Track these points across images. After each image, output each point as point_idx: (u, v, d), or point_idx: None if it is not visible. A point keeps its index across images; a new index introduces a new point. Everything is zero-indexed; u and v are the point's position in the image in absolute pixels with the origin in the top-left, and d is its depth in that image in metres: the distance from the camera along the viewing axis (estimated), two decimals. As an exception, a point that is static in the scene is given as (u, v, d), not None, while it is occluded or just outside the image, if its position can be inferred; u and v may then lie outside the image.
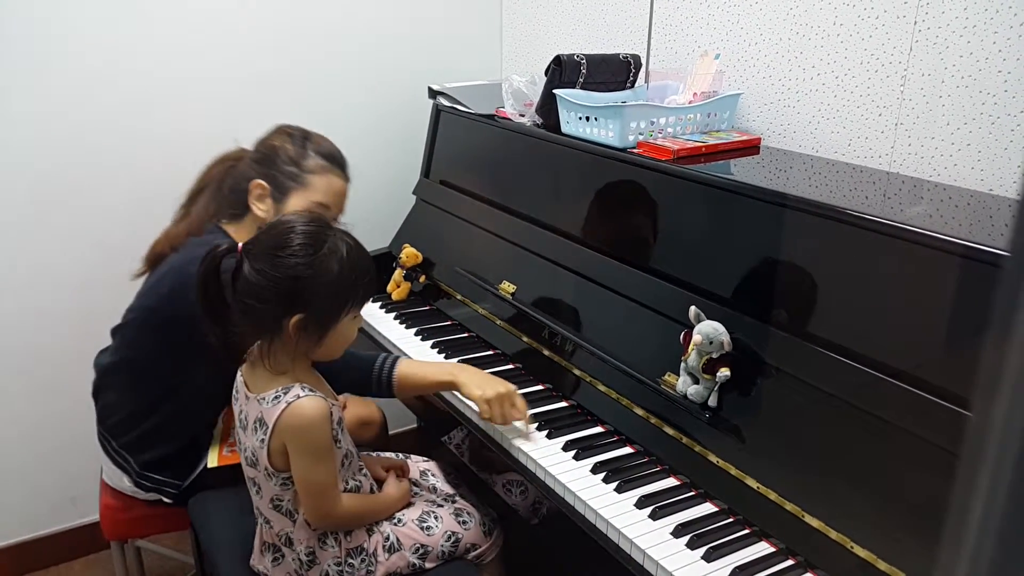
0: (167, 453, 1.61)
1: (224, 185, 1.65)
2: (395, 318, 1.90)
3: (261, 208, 1.59)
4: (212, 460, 1.59)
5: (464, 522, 1.46)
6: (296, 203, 1.58)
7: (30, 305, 1.96)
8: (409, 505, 1.45)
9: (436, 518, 1.43)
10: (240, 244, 1.26)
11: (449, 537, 1.42)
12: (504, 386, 1.44)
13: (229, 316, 1.27)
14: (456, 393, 1.51)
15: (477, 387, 1.44)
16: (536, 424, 1.45)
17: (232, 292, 1.24)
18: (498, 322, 1.75)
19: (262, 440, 1.25)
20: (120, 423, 1.62)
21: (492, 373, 1.57)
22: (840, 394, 1.15)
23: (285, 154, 1.59)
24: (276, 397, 1.24)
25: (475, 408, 1.46)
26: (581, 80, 1.76)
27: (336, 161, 1.64)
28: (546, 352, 1.61)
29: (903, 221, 1.13)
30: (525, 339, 1.67)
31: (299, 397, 1.23)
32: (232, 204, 1.63)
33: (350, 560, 1.34)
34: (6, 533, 2.12)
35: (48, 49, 1.83)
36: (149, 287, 1.58)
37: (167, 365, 1.55)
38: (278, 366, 1.27)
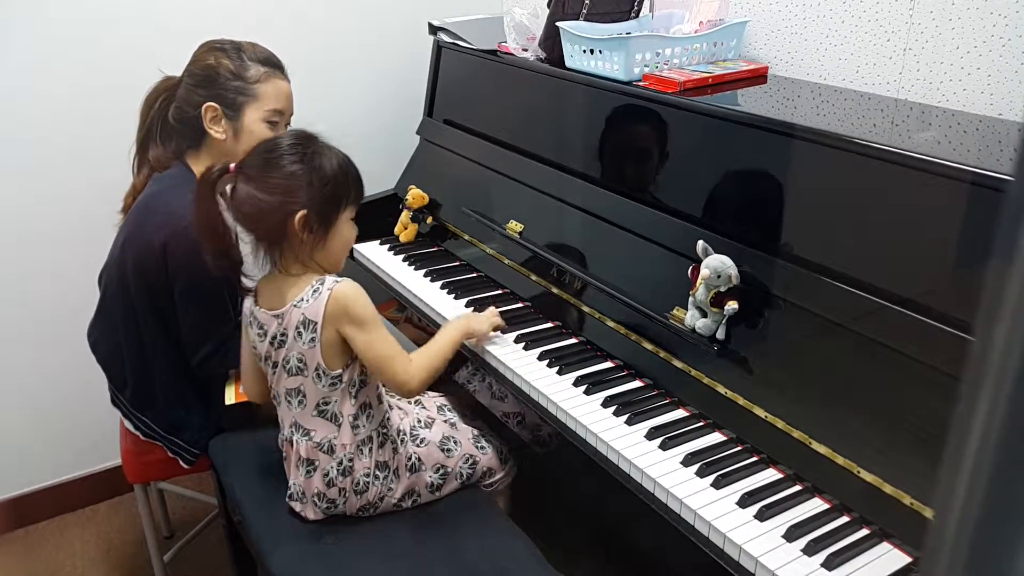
0: (182, 413, 1.64)
1: (170, 119, 1.63)
2: (403, 260, 1.91)
3: (218, 130, 1.58)
4: (229, 397, 1.61)
5: (482, 447, 1.52)
6: (252, 115, 1.58)
7: (43, 253, 1.98)
8: (429, 425, 1.50)
9: (455, 442, 1.49)
10: (232, 164, 1.30)
11: (467, 459, 1.48)
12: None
13: (228, 240, 1.33)
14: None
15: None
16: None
17: (232, 210, 1.30)
18: (506, 261, 1.76)
19: (312, 339, 1.29)
20: (127, 384, 1.64)
21: (502, 312, 1.59)
22: (847, 323, 1.16)
23: (225, 70, 1.57)
24: (315, 291, 1.29)
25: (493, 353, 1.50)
26: (584, 11, 1.73)
27: (275, 64, 1.63)
28: (555, 290, 1.62)
29: (911, 148, 1.12)
30: (534, 278, 1.68)
31: (336, 283, 1.30)
32: (186, 135, 1.62)
33: (376, 472, 1.38)
34: (32, 479, 2.17)
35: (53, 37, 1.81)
36: (128, 235, 1.58)
37: (166, 315, 1.56)
38: (296, 270, 1.33)
